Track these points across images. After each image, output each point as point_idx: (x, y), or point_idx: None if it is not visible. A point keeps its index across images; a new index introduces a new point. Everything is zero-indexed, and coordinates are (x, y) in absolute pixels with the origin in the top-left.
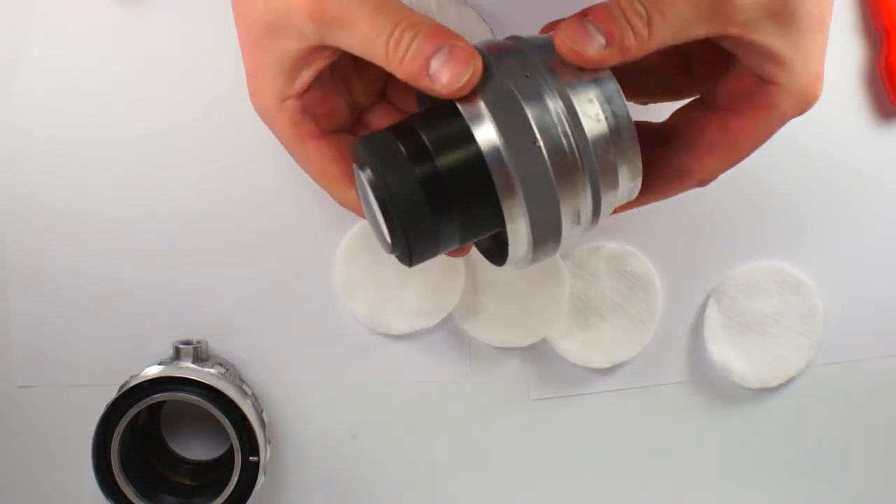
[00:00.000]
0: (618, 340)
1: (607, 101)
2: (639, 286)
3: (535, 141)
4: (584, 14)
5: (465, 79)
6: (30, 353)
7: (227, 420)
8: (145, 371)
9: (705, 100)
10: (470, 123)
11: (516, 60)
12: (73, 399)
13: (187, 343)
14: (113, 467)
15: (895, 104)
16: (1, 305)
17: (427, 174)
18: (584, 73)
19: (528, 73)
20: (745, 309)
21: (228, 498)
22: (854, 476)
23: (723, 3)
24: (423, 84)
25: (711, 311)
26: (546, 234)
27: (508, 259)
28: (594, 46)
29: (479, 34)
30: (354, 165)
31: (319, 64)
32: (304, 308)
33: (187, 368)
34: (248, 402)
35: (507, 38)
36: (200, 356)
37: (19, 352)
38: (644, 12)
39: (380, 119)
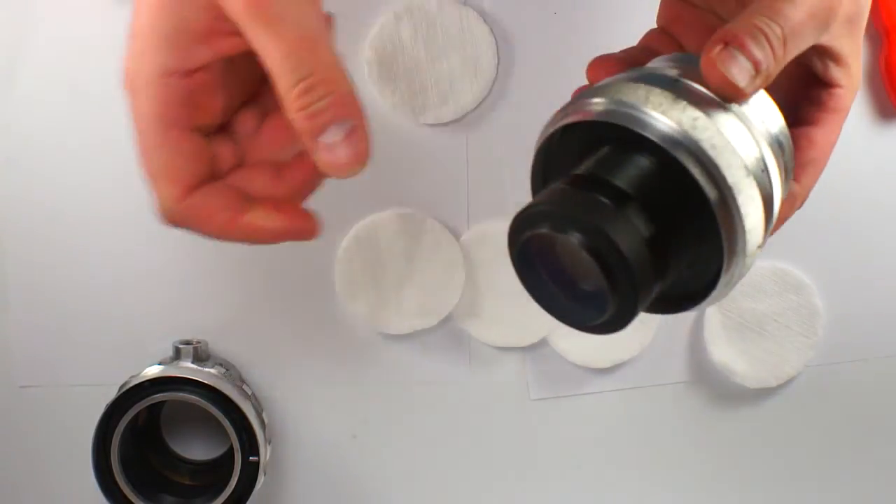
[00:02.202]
0: (618, 340)
1: (768, 115)
2: None
3: (748, 177)
4: (725, 40)
5: (357, 168)
6: (30, 353)
7: (227, 420)
8: (145, 371)
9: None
10: (699, 179)
11: (693, 89)
12: (73, 399)
13: (187, 343)
14: (113, 467)
15: (895, 104)
16: (1, 305)
17: (652, 233)
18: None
19: (701, 101)
20: (745, 309)
21: (228, 498)
22: (854, 476)
23: (830, 13)
24: (308, 145)
25: (711, 311)
26: (744, 271)
27: (705, 302)
28: (745, 77)
29: (478, 34)
30: (527, 235)
31: (219, 47)
32: (304, 308)
33: (187, 368)
34: (248, 402)
35: (641, 70)
36: (200, 356)
37: (19, 352)
38: (780, 33)
39: (245, 125)
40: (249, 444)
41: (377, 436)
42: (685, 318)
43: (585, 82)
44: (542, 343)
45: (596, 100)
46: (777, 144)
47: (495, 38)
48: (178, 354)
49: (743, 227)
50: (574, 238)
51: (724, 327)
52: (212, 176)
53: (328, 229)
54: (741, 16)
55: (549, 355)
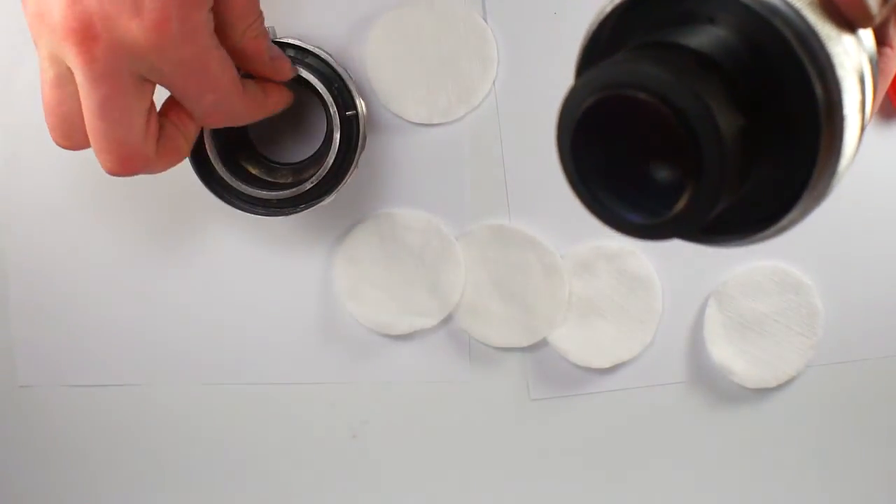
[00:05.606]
0: (618, 340)
1: (867, 35)
2: (639, 286)
3: (857, 83)
4: None
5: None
6: (30, 353)
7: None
8: None
9: None
10: (808, 67)
11: None
12: (73, 399)
13: None
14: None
15: (895, 104)
16: (1, 305)
17: (743, 122)
18: None
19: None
20: (745, 309)
21: (334, 162)
22: (854, 476)
23: None
24: (260, 66)
25: (711, 311)
26: (825, 195)
27: (774, 228)
28: (875, 1)
29: (479, 33)
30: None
31: None
32: (304, 308)
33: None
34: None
35: None
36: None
37: (19, 352)
38: None
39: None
40: (342, 98)
41: (377, 436)
42: (685, 318)
43: None
44: (542, 343)
45: None
46: (871, 65)
47: (495, 38)
48: None
49: (842, 136)
50: (649, 96)
51: (724, 327)
52: None
53: (328, 229)
54: None
55: (549, 355)
